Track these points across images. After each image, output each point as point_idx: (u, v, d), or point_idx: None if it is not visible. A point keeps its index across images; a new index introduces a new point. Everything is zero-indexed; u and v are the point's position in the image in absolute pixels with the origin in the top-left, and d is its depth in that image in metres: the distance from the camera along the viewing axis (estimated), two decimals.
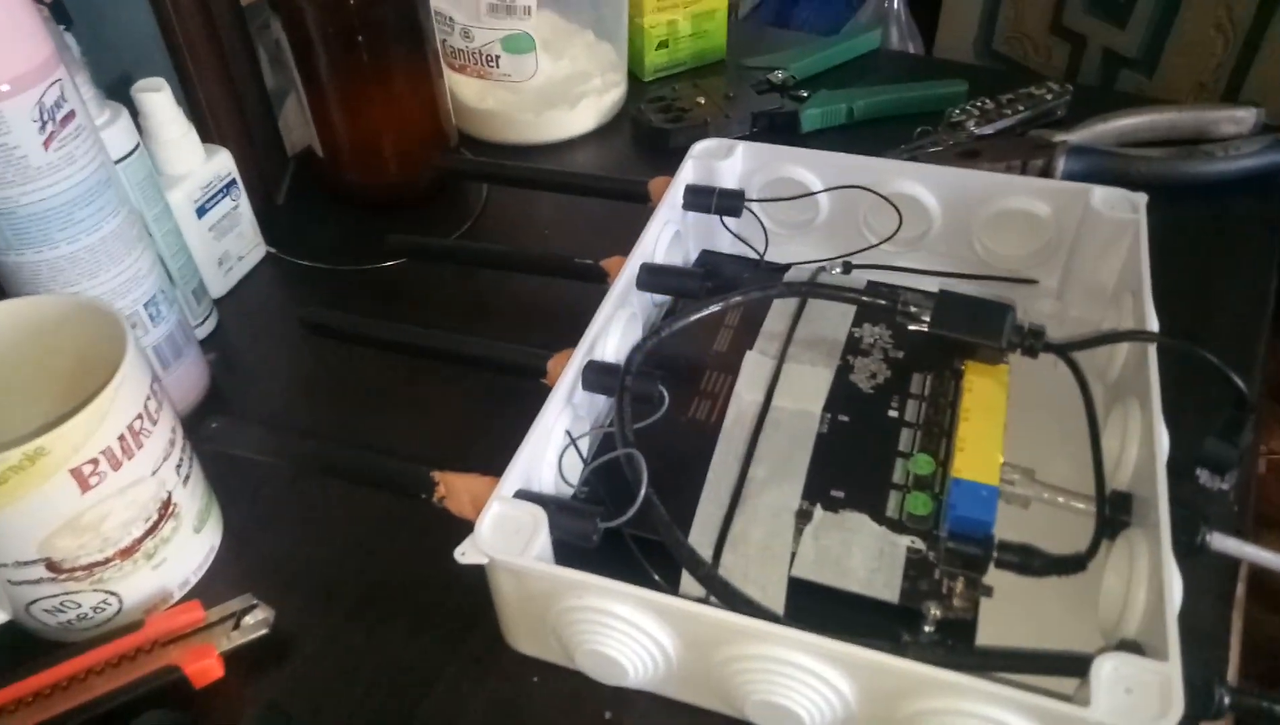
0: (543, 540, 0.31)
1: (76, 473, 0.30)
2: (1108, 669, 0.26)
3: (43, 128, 0.34)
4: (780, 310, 0.45)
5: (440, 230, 0.56)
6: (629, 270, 0.42)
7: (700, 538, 0.35)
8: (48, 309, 0.35)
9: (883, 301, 0.39)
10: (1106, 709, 0.25)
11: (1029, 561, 0.32)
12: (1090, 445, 0.34)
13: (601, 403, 0.41)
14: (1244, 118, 0.57)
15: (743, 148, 0.48)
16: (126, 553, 0.33)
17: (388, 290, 0.52)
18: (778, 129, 0.62)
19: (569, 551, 0.32)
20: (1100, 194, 0.43)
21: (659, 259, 0.44)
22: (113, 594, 0.34)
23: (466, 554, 0.30)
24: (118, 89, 0.46)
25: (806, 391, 0.40)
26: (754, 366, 0.41)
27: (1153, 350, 0.35)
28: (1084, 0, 1.15)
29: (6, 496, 0.29)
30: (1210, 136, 0.57)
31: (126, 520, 0.33)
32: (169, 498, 0.34)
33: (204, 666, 0.32)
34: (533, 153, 0.63)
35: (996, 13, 1.30)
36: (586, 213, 0.56)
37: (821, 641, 0.27)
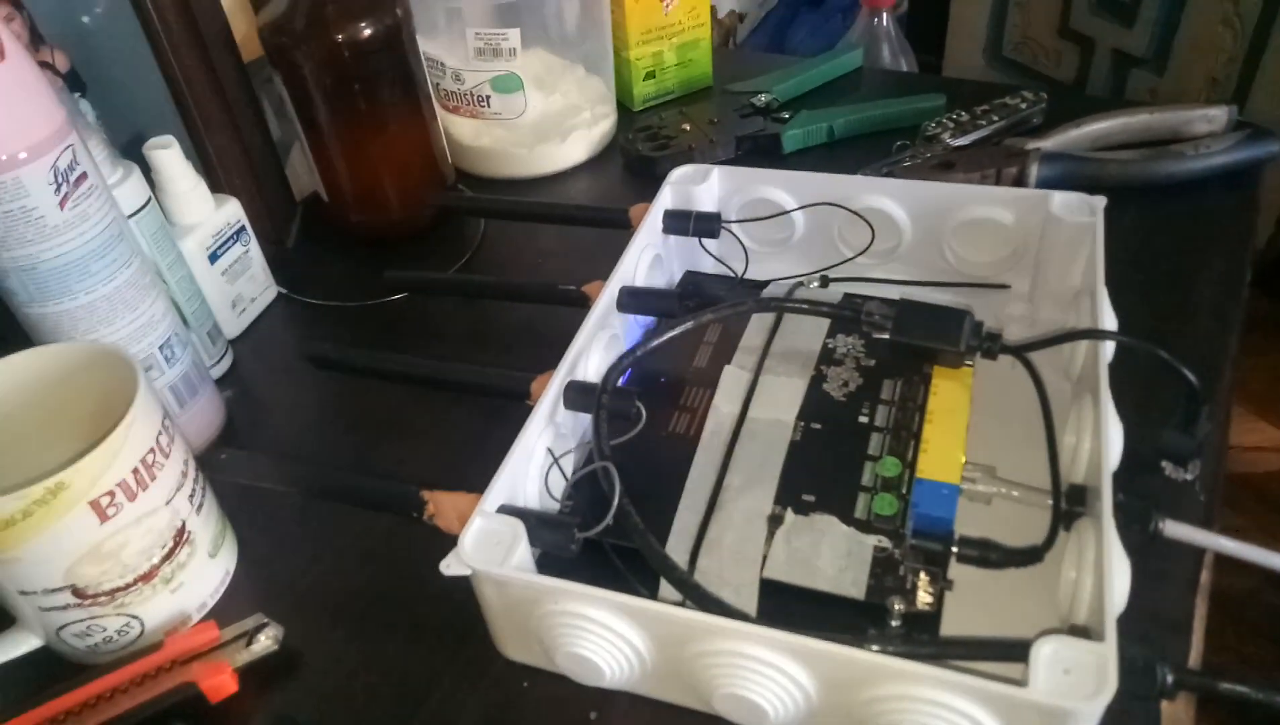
0: (522, 551, 0.33)
1: (95, 504, 0.33)
2: (1047, 651, 0.27)
3: (58, 189, 0.37)
4: (758, 325, 0.47)
5: (441, 263, 0.58)
6: (608, 293, 0.44)
7: (677, 544, 0.37)
8: (68, 356, 0.38)
9: (847, 312, 0.41)
10: (1044, 689, 0.26)
11: (988, 555, 0.34)
12: (1046, 441, 0.36)
13: (588, 421, 0.43)
14: (1217, 116, 0.58)
15: (718, 172, 0.50)
16: (146, 578, 0.36)
17: (391, 323, 0.55)
18: (761, 151, 0.64)
19: (554, 563, 0.34)
20: (1059, 199, 0.44)
21: (640, 281, 0.47)
22: (135, 617, 0.36)
23: (451, 567, 0.32)
24: (133, 146, 0.49)
25: (781, 402, 0.42)
26: (732, 380, 0.43)
27: (1104, 346, 0.37)
28: (1090, 1, 1.15)
29: (32, 528, 0.32)
30: (1185, 136, 0.58)
31: (144, 548, 0.35)
32: (183, 525, 0.37)
33: (218, 682, 0.35)
34: (528, 185, 0.66)
35: (1004, 19, 1.31)
36: (578, 241, 0.58)
37: (776, 635, 0.29)
